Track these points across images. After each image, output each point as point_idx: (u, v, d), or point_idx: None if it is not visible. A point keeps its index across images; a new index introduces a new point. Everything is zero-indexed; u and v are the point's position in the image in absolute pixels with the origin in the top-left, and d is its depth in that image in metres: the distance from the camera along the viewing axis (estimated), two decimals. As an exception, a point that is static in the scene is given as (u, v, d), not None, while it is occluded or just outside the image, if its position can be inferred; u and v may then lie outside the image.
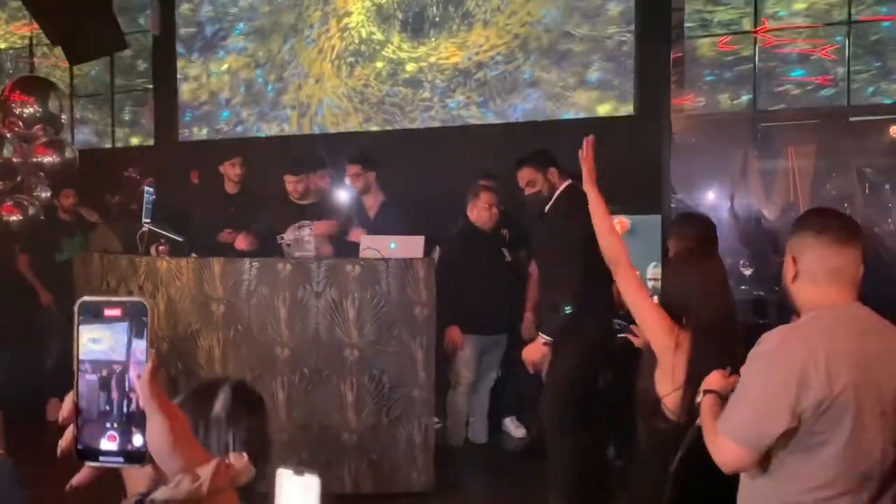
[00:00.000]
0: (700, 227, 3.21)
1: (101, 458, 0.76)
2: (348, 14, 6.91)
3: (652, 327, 2.31)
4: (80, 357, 0.76)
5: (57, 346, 5.58)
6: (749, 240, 5.87)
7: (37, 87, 6.13)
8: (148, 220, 4.79)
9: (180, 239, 4.81)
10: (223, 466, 0.79)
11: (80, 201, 6.13)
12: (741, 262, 5.71)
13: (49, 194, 6.01)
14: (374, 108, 6.85)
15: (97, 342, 0.77)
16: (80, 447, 0.76)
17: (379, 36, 6.81)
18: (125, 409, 0.76)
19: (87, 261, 4.93)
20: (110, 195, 7.00)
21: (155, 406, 0.75)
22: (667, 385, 2.23)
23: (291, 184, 4.92)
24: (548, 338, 3.65)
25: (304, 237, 4.60)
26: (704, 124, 6.15)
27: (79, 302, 0.78)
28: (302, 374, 4.12)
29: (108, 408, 0.76)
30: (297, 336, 4.12)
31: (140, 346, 0.77)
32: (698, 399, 1.96)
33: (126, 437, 0.76)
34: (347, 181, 5.14)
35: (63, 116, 6.21)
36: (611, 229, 2.59)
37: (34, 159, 5.86)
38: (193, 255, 4.48)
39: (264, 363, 4.15)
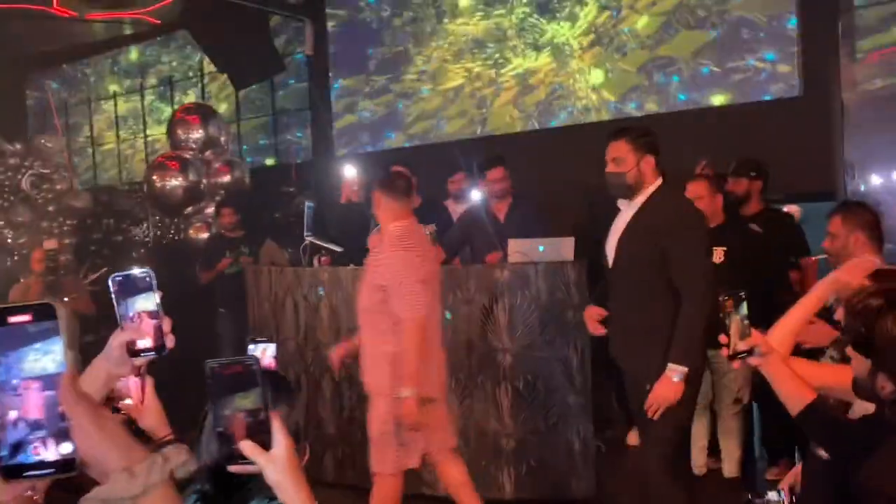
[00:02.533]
0: (859, 221, 2.82)
1: (26, 474, 0.70)
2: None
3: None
4: None
5: (230, 347, 5.94)
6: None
7: (200, 112, 6.61)
8: (309, 233, 5.04)
9: (339, 249, 5.01)
10: (160, 461, 0.78)
11: (240, 218, 6.43)
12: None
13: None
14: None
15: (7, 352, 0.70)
16: (2, 465, 0.70)
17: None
18: (50, 419, 0.70)
19: (257, 273, 5.26)
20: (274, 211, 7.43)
21: (80, 411, 0.71)
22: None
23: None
24: (683, 368, 2.89)
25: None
26: (882, 100, 5.59)
27: None
28: (457, 379, 4.16)
29: (31, 419, 0.70)
30: (449, 341, 4.16)
31: (55, 350, 0.70)
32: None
33: (52, 447, 0.70)
34: (486, 186, 4.92)
35: (223, 139, 6.65)
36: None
37: (214, 180, 6.34)
38: (352, 265, 4.65)
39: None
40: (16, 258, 8.25)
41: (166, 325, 1.24)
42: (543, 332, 4.03)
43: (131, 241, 9.35)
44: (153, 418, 1.39)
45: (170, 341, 1.24)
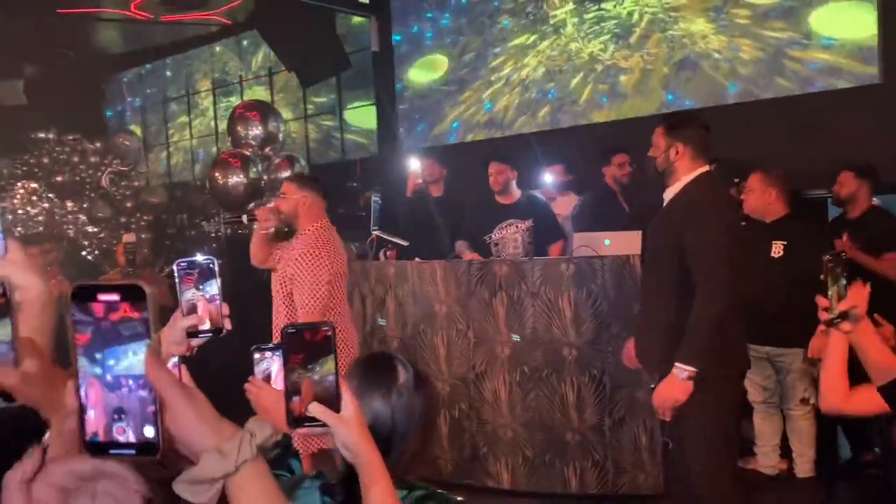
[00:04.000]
0: None
1: (111, 451, 0.72)
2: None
3: None
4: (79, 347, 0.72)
5: None
6: None
7: (259, 109, 6.74)
8: (376, 227, 5.12)
9: (405, 243, 5.07)
10: (247, 437, 0.77)
11: None
12: None
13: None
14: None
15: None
16: (87, 440, 0.72)
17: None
18: (136, 400, 0.72)
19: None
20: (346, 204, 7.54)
21: (172, 391, 0.72)
22: None
23: (493, 175, 4.84)
24: (690, 368, 2.74)
25: (510, 236, 4.65)
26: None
27: (73, 287, 0.72)
28: (522, 372, 4.17)
29: (116, 399, 0.72)
30: (514, 333, 4.19)
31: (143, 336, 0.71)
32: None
33: (137, 428, 0.72)
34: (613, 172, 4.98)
35: (280, 135, 6.76)
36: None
37: (275, 176, 6.48)
38: (417, 258, 4.70)
39: (486, 361, 4.26)
40: (97, 252, 8.62)
41: (225, 309, 1.33)
42: (609, 327, 4.00)
43: (203, 235, 9.66)
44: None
45: (227, 324, 1.34)
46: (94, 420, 0.71)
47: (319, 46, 7.77)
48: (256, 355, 1.75)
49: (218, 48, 10.05)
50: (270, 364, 1.74)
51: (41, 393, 0.92)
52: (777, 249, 4.06)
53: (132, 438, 0.71)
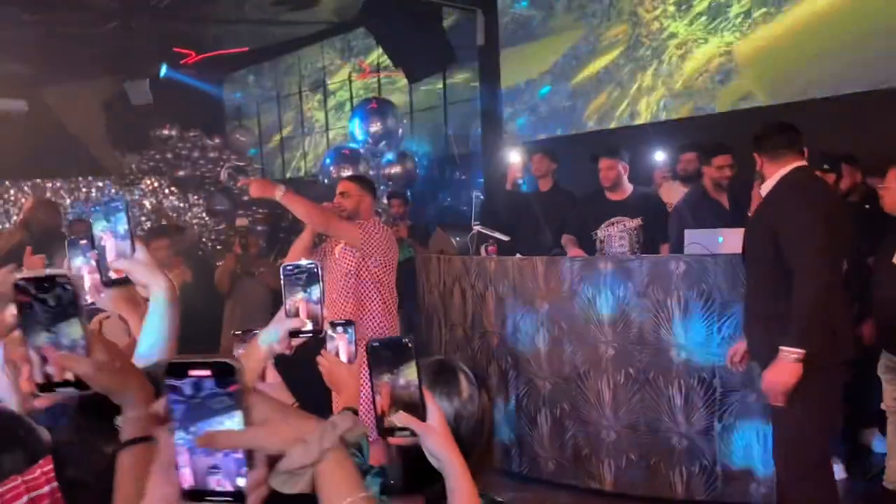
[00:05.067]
0: None
1: (206, 499, 0.80)
2: None
3: None
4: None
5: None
6: None
7: (378, 106, 6.87)
8: (477, 222, 5.11)
9: (506, 238, 5.04)
10: (329, 428, 0.82)
11: (408, 209, 6.56)
12: None
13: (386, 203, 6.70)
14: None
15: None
16: (185, 489, 0.80)
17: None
18: (230, 461, 0.79)
19: (427, 262, 5.41)
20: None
21: (266, 408, 0.80)
22: None
23: (604, 169, 4.72)
24: (797, 350, 2.86)
25: (617, 234, 4.52)
26: None
27: (166, 363, 0.79)
28: (627, 374, 4.06)
29: (210, 460, 0.79)
30: (620, 335, 4.07)
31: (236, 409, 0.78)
32: None
33: (231, 479, 0.79)
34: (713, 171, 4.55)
35: (400, 131, 6.87)
36: None
37: (386, 171, 6.60)
38: (518, 254, 4.66)
39: (589, 361, 4.16)
40: (215, 244, 9.05)
41: (325, 312, 1.43)
42: (721, 328, 3.82)
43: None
44: (277, 392, 1.60)
45: (326, 326, 1.44)
46: (189, 476, 0.80)
47: (427, 42, 7.82)
48: (329, 331, 1.81)
49: (326, 46, 10.29)
50: (339, 341, 1.81)
51: (112, 381, 1.00)
52: None
53: (228, 488, 0.80)
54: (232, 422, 0.78)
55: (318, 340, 1.53)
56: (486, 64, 8.10)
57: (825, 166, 4.30)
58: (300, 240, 4.01)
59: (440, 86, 8.67)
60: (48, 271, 0.94)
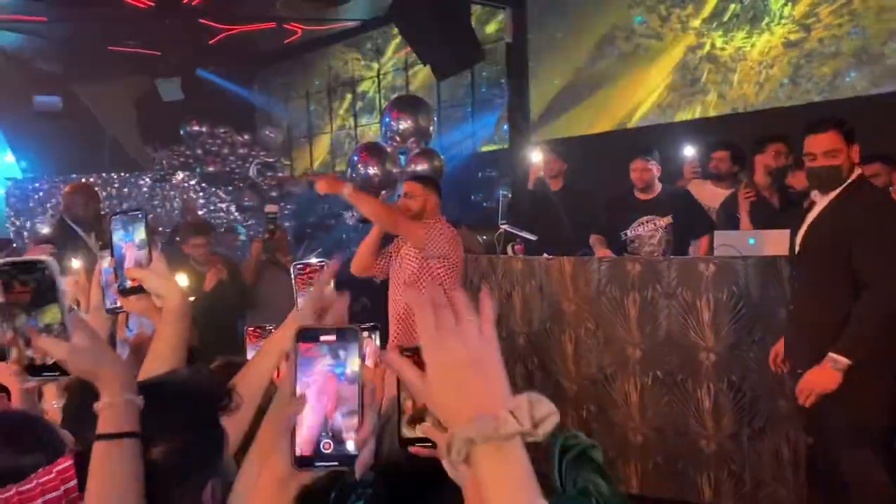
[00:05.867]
0: None
1: (316, 464, 0.84)
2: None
3: None
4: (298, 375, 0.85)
5: None
6: None
7: (410, 104, 6.87)
8: (504, 221, 5.08)
9: (533, 238, 5.00)
10: (525, 406, 0.78)
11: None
12: None
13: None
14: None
15: (312, 361, 0.85)
16: (297, 455, 0.84)
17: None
18: (340, 424, 0.84)
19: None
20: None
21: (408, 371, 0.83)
22: None
23: (637, 171, 4.64)
24: (844, 360, 2.86)
25: (647, 234, 4.46)
26: None
27: (298, 329, 0.86)
28: (655, 376, 4.01)
29: (322, 419, 0.84)
30: (648, 337, 4.02)
31: (354, 366, 0.85)
32: None
33: (340, 444, 0.84)
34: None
35: (431, 128, 6.86)
36: None
37: (410, 168, 6.58)
38: (546, 254, 4.62)
39: (616, 363, 4.12)
40: (244, 238, 9.12)
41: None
42: (752, 331, 3.76)
43: (343, 224, 10.01)
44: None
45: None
46: (301, 442, 0.84)
47: (455, 39, 7.80)
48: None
49: (355, 44, 10.32)
50: (367, 344, 1.82)
51: (89, 366, 1.02)
52: None
53: (337, 452, 0.84)
54: (350, 367, 0.84)
55: None
56: (515, 61, 8.06)
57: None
58: (367, 240, 4.00)
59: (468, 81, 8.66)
60: (28, 257, 0.99)
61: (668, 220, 4.54)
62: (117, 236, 1.42)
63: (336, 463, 0.84)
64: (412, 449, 1.05)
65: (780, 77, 6.08)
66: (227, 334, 4.36)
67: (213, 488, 1.09)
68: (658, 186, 4.66)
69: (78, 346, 1.01)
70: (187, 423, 1.09)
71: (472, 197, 7.70)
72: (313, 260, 1.44)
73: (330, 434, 0.84)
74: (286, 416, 0.84)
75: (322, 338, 0.85)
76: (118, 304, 1.49)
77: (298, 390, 0.84)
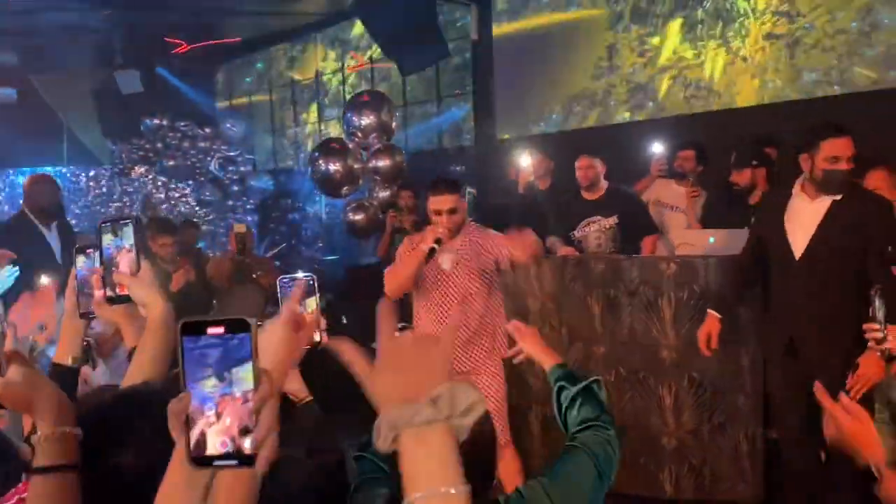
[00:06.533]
0: None
1: (214, 463, 0.81)
2: None
3: None
4: (186, 370, 0.81)
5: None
6: None
7: (372, 100, 6.83)
8: (471, 219, 5.07)
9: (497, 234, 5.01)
10: (446, 395, 0.80)
11: (417, 202, 6.49)
12: None
13: (387, 195, 6.64)
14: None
15: (203, 356, 0.81)
16: (194, 455, 0.81)
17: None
18: (235, 418, 0.80)
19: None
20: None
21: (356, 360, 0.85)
22: None
23: (582, 169, 4.68)
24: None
25: (593, 235, 4.52)
26: None
27: (181, 323, 0.81)
28: (618, 373, 4.07)
29: (220, 419, 0.81)
30: (610, 334, 4.08)
31: (244, 365, 0.80)
32: None
33: (236, 443, 0.80)
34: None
35: (394, 124, 6.84)
36: None
37: (372, 164, 6.55)
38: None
39: (580, 360, 4.17)
40: (205, 232, 9.01)
41: (322, 323, 1.44)
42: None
43: (306, 218, 9.95)
44: (294, 384, 1.64)
45: (324, 338, 1.42)
46: (196, 440, 0.81)
47: (420, 35, 7.79)
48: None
49: (319, 37, 10.24)
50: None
51: (21, 399, 1.02)
52: None
53: (233, 450, 0.80)
54: (245, 371, 0.80)
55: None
56: (480, 59, 8.08)
57: (754, 162, 4.34)
58: (411, 266, 3.42)
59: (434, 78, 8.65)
60: None
61: (613, 220, 4.58)
62: (105, 241, 1.42)
63: (234, 462, 0.80)
64: None
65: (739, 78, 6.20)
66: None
67: None
68: (604, 185, 4.69)
69: (11, 379, 1.00)
70: (156, 434, 1.09)
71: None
72: (300, 274, 1.45)
73: (226, 433, 0.80)
74: (175, 413, 0.83)
75: (209, 330, 0.81)
76: (90, 310, 1.48)
77: (188, 387, 0.81)
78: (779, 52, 5.91)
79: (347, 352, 0.85)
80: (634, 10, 6.83)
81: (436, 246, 3.32)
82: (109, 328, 3.10)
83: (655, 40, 6.70)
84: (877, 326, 1.86)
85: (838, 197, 3.13)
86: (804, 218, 3.21)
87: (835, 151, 3.05)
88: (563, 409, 1.84)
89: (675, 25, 6.57)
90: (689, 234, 4.19)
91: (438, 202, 3.42)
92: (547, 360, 2.03)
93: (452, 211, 3.42)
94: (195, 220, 7.72)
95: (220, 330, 0.80)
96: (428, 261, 3.37)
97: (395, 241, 6.22)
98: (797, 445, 3.42)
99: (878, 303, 1.85)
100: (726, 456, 3.89)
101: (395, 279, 3.49)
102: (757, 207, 3.96)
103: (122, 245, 1.41)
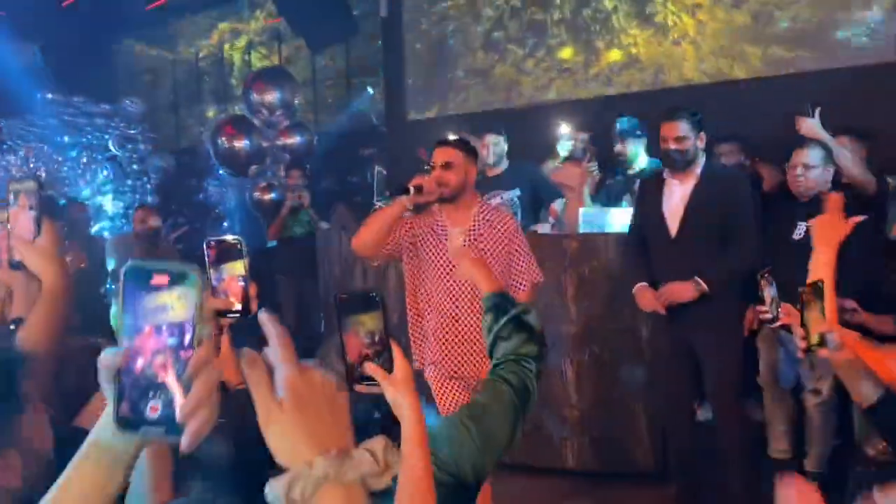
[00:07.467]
0: None
1: (140, 428, 0.74)
2: None
3: None
4: (124, 320, 0.74)
5: (291, 314, 6.01)
6: None
7: (274, 76, 6.67)
8: (379, 199, 5.06)
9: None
10: (348, 462, 0.75)
11: (308, 182, 6.32)
12: None
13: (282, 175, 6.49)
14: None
15: (143, 310, 0.73)
16: (120, 415, 0.74)
17: None
18: (168, 381, 0.73)
19: (327, 237, 5.33)
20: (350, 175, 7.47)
21: (254, 390, 0.75)
22: None
23: (487, 146, 4.70)
24: (704, 286, 3.36)
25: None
26: None
27: (125, 267, 0.74)
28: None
29: (152, 378, 0.73)
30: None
31: (188, 316, 0.73)
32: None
33: (169, 408, 0.73)
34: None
35: (297, 101, 6.68)
36: None
37: (281, 142, 6.42)
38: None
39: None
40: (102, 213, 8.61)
41: (252, 290, 1.31)
42: (612, 304, 3.95)
43: (210, 200, 9.64)
44: (229, 369, 1.53)
45: (254, 306, 1.31)
46: (125, 403, 0.73)
47: (328, 11, 7.64)
48: None
49: (225, 10, 9.92)
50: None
51: None
52: None
53: (164, 415, 0.73)
54: (184, 323, 0.73)
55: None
56: (390, 36, 8.00)
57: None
58: (388, 213, 3.22)
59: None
60: None
61: (511, 194, 4.63)
62: (8, 205, 1.39)
63: (163, 429, 0.73)
64: (357, 387, 1.12)
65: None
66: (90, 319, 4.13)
67: None
68: (505, 163, 4.78)
69: None
70: None
71: (348, 175, 7.61)
72: (228, 237, 1.35)
73: (158, 395, 0.73)
74: (106, 366, 0.74)
75: (154, 280, 0.73)
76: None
77: (125, 340, 0.73)
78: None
79: (254, 376, 0.77)
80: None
81: (411, 188, 3.08)
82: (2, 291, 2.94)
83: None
84: (765, 308, 1.97)
85: (694, 180, 3.45)
86: (674, 200, 3.49)
87: (665, 132, 3.43)
88: (494, 339, 1.84)
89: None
90: (590, 213, 4.28)
91: (436, 154, 3.26)
92: (485, 285, 1.98)
93: (447, 165, 3.19)
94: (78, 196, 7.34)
95: (164, 280, 0.73)
96: (405, 208, 3.15)
97: (289, 223, 6.10)
98: (677, 411, 3.64)
99: (764, 284, 1.96)
100: (626, 427, 4.03)
101: (364, 230, 3.25)
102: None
103: (18, 206, 1.38)
